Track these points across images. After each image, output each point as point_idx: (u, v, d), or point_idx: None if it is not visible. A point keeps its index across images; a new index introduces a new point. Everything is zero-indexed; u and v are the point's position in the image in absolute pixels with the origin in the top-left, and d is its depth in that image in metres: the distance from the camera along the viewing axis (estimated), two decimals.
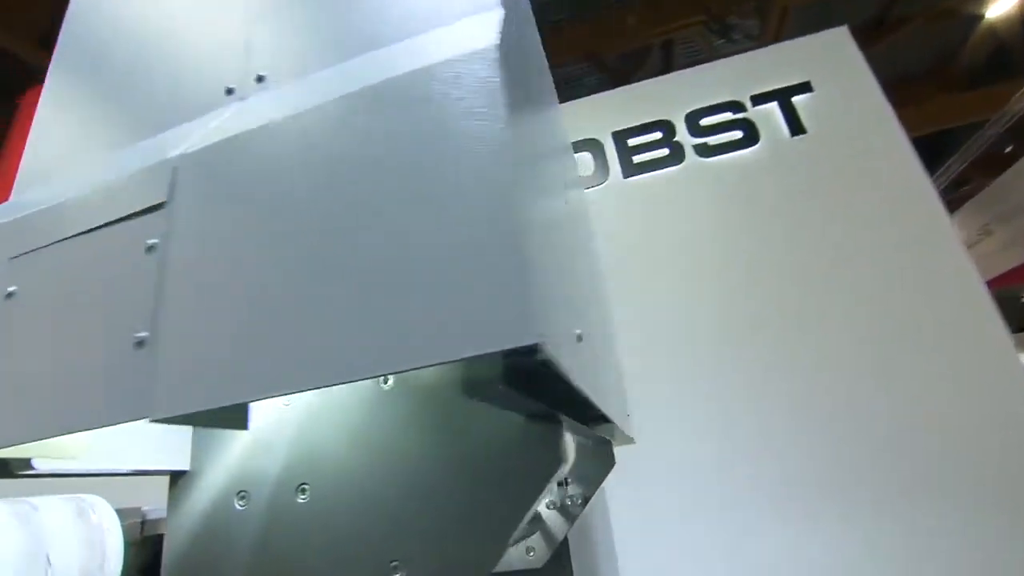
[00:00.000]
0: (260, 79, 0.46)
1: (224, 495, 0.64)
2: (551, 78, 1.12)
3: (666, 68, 4.34)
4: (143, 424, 0.70)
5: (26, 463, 0.58)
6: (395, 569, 0.54)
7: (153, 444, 0.71)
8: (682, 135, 2.55)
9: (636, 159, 2.59)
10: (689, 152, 2.52)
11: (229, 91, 0.48)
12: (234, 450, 0.67)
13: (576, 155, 2.74)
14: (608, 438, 1.12)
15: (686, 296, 2.27)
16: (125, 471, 0.68)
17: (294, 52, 0.45)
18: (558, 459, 0.55)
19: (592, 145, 2.66)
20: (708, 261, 2.32)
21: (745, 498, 1.87)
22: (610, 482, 1.86)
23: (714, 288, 2.26)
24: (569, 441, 1.04)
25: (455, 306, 0.31)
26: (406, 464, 0.57)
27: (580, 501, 1.05)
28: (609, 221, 2.53)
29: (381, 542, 0.55)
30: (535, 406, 0.48)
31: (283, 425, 0.65)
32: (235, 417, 0.51)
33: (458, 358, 0.29)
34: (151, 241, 0.42)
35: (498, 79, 0.35)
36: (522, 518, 0.54)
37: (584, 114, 2.74)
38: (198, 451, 0.70)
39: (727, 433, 1.97)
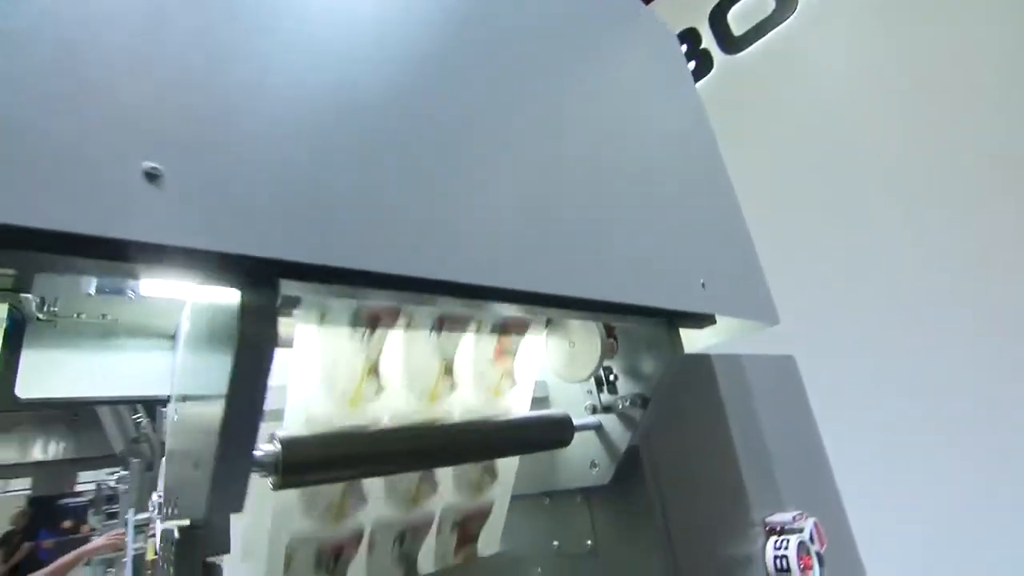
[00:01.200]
0: None
1: (173, 410, 0.70)
2: None
3: None
4: (141, 352, 0.81)
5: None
6: (195, 467, 0.52)
7: (154, 370, 0.80)
8: None
9: None
10: None
11: None
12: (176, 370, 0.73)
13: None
14: (687, 318, 0.83)
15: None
16: (119, 398, 0.79)
17: None
18: (262, 332, 0.43)
19: None
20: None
21: None
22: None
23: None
24: (587, 329, 0.82)
25: None
26: (209, 360, 0.53)
27: (633, 402, 0.81)
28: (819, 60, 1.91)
29: (194, 446, 0.54)
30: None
31: (184, 341, 0.68)
32: None
33: None
34: None
35: None
36: (253, 412, 0.44)
37: None
38: (173, 375, 0.78)
39: None
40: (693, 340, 1.14)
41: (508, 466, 0.85)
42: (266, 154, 0.42)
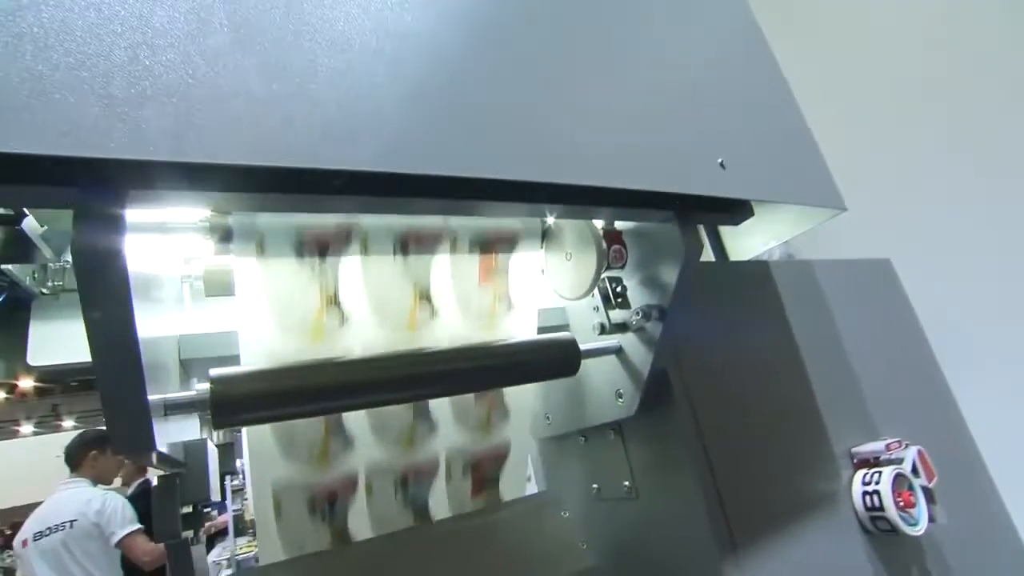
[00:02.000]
0: None
1: None
2: None
3: None
4: None
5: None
6: None
7: None
8: None
9: None
10: None
11: None
12: None
13: None
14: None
15: None
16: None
17: None
18: (101, 252, 0.38)
19: None
20: None
21: None
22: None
23: None
24: (580, 235, 0.69)
25: None
26: None
27: (647, 315, 0.68)
28: None
29: None
30: None
31: None
32: None
33: None
34: None
35: None
36: (116, 346, 0.41)
37: None
38: None
39: None
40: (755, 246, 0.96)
41: (521, 399, 0.76)
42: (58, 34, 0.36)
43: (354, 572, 0.65)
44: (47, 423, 8.77)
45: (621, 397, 0.74)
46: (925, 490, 0.80)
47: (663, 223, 0.67)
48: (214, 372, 0.52)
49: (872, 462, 0.83)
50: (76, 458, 2.21)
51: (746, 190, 0.68)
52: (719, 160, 0.67)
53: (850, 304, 0.98)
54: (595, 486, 0.85)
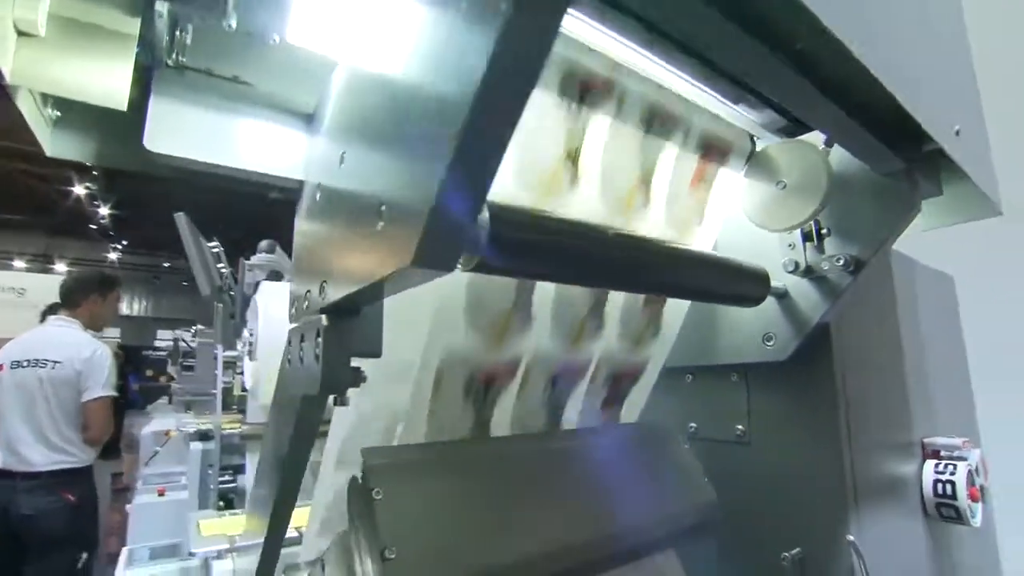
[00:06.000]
0: None
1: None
2: None
3: None
4: (273, 124, 0.65)
5: None
6: (377, 215, 0.36)
7: (284, 149, 0.67)
8: None
9: None
10: None
11: None
12: None
13: None
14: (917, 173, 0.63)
15: None
16: (245, 171, 0.66)
17: None
18: None
19: None
20: None
21: None
22: None
23: None
24: (806, 160, 0.62)
25: None
26: None
27: (847, 265, 0.62)
28: None
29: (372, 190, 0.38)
30: None
31: None
32: None
33: None
34: None
35: None
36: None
37: None
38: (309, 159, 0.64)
39: None
40: None
41: (672, 324, 0.70)
42: None
43: (488, 466, 0.57)
44: (37, 262, 7.71)
45: (771, 341, 0.69)
46: (982, 489, 0.83)
47: (886, 174, 0.61)
48: (491, 200, 0.41)
49: (937, 454, 0.85)
50: (75, 297, 1.87)
51: (971, 164, 0.63)
52: (956, 128, 0.61)
53: (927, 307, 0.98)
54: (693, 425, 0.80)
